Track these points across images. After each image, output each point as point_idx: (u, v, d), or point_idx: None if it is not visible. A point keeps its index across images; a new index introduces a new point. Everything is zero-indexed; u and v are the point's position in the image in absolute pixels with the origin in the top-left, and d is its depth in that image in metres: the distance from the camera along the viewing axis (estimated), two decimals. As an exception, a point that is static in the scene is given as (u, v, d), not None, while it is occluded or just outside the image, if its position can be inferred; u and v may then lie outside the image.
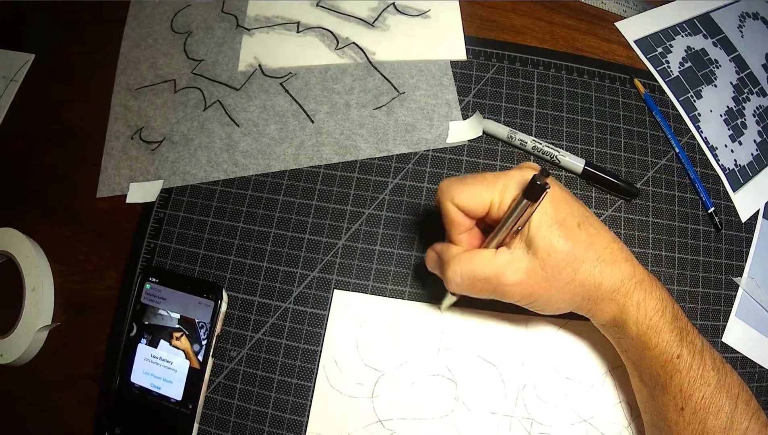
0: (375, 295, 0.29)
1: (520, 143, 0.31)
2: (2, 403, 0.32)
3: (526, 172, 0.22)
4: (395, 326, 0.29)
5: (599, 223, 0.24)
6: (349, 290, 0.29)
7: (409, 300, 0.29)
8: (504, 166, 0.31)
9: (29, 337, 0.34)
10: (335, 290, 0.29)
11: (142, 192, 0.32)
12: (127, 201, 0.32)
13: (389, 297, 0.29)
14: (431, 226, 0.30)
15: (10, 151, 0.36)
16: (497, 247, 0.23)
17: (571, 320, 0.30)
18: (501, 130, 0.31)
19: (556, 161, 0.31)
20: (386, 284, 0.29)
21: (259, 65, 0.32)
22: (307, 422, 0.28)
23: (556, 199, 0.22)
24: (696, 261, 0.32)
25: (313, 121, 0.30)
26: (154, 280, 0.31)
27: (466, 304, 0.29)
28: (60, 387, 0.32)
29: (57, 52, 0.37)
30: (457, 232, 0.24)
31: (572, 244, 0.22)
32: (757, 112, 0.40)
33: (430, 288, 0.29)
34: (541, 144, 0.31)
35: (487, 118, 0.32)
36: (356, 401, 0.28)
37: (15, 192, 0.35)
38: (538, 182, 0.20)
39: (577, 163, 0.31)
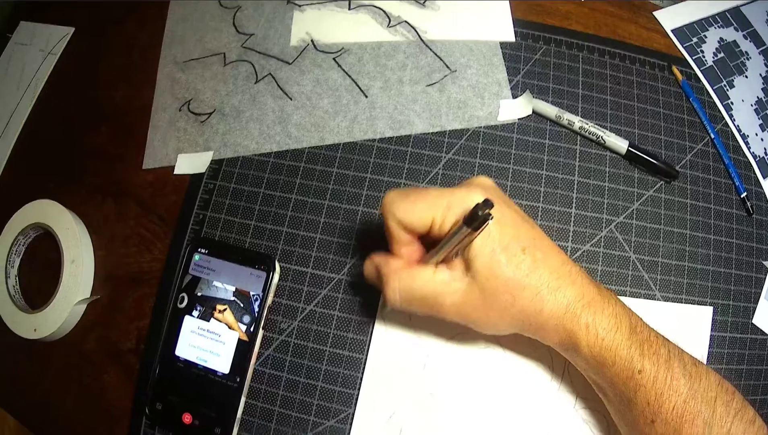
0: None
1: (568, 123, 0.33)
2: (40, 378, 0.33)
3: (473, 192, 0.22)
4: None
5: (549, 245, 0.24)
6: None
7: None
8: (552, 145, 0.33)
9: (66, 310, 0.34)
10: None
11: (190, 163, 0.33)
12: (175, 172, 0.33)
13: None
14: None
15: (50, 125, 0.37)
16: (437, 264, 0.23)
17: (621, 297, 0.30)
18: (550, 110, 0.33)
19: (602, 141, 0.33)
20: None
21: (312, 40, 0.34)
22: (357, 395, 0.29)
23: (502, 221, 0.22)
24: (729, 243, 0.34)
25: (366, 96, 0.32)
26: (203, 250, 0.31)
27: None
28: (99, 362, 0.32)
29: (98, 27, 0.38)
30: (398, 247, 0.24)
31: (513, 271, 0.22)
32: None
33: None
34: (587, 124, 0.33)
35: (536, 98, 0.34)
36: (408, 373, 0.29)
37: (57, 166, 0.36)
38: (480, 212, 0.20)
39: (621, 144, 0.33)
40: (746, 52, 0.43)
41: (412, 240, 0.24)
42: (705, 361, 0.32)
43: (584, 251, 0.32)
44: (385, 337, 0.30)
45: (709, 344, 0.32)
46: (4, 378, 0.34)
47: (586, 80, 0.35)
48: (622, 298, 0.30)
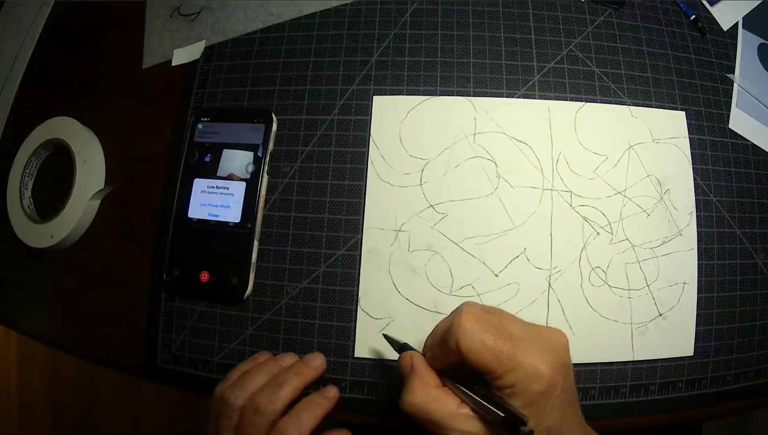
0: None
1: None
2: (60, 283, 0.36)
3: (543, 363, 0.22)
4: (432, 118, 0.34)
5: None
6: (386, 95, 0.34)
7: (441, 96, 0.34)
8: None
9: (81, 207, 0.37)
10: (374, 96, 0.34)
11: (186, 54, 0.38)
12: (173, 63, 0.38)
13: (423, 95, 0.34)
14: (454, 50, 0.35)
15: (59, 50, 0.42)
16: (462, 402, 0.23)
17: (588, 103, 0.35)
18: None
19: None
20: (418, 86, 0.34)
21: None
22: (363, 219, 0.33)
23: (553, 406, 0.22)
24: (689, 58, 0.39)
25: None
26: (205, 118, 0.36)
27: (490, 91, 0.34)
28: (117, 249, 0.36)
29: None
30: (441, 365, 0.25)
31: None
32: None
33: (456, 84, 0.34)
34: None
35: None
36: (407, 190, 0.33)
37: (62, 83, 0.40)
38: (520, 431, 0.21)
39: None
40: None
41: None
42: (690, 163, 0.36)
43: (550, 68, 0.36)
44: (380, 162, 0.33)
45: (691, 145, 0.36)
46: (30, 297, 0.37)
47: None
48: (593, 104, 0.35)
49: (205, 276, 0.33)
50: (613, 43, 0.38)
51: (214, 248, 0.34)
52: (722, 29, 0.42)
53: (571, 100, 0.35)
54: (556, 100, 0.35)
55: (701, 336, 0.35)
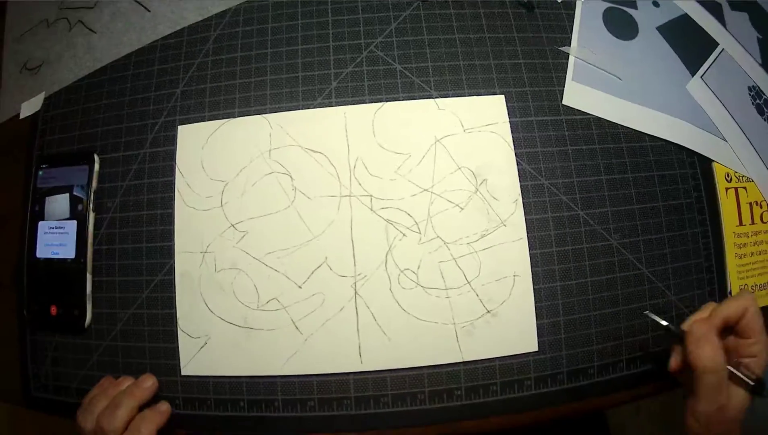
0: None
1: None
2: None
3: None
4: (229, 140, 0.37)
5: None
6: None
7: (238, 117, 0.37)
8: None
9: None
10: (179, 126, 0.38)
11: (30, 106, 0.43)
12: (21, 117, 0.43)
13: (221, 118, 0.37)
14: (252, 70, 0.37)
15: None
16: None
17: (387, 103, 0.37)
18: None
19: None
20: (219, 111, 0.37)
21: None
22: (174, 244, 0.36)
23: None
24: (511, 38, 0.39)
25: (149, 11, 0.41)
26: (44, 165, 0.41)
27: (286, 105, 0.36)
28: None
29: None
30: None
31: None
32: None
33: (254, 103, 0.36)
34: None
35: None
36: (209, 212, 0.37)
37: None
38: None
39: None
40: None
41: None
42: (512, 148, 0.36)
43: (347, 73, 0.38)
44: (185, 188, 0.36)
45: (513, 130, 0.37)
46: None
47: None
48: (393, 102, 0.36)
49: (54, 309, 0.38)
50: (419, 36, 0.39)
51: (58, 283, 0.39)
52: (555, 0, 0.41)
53: (371, 102, 0.37)
54: (353, 105, 0.37)
55: (546, 329, 0.36)
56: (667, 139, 0.39)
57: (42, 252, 0.40)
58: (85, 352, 0.38)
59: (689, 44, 0.44)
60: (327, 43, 0.38)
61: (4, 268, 0.41)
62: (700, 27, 0.45)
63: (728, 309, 0.31)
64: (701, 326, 0.31)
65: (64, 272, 0.39)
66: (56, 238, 0.40)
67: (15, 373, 0.39)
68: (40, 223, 0.40)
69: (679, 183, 0.38)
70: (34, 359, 0.39)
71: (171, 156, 0.37)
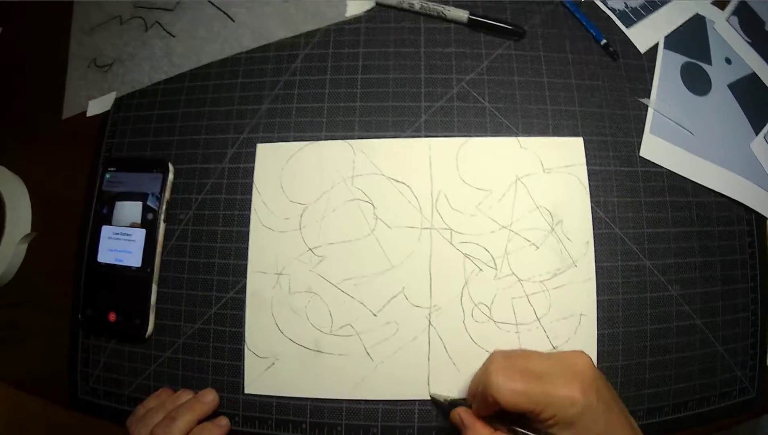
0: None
1: (409, 6, 0.41)
2: None
3: (572, 394, 0.27)
4: (311, 163, 0.38)
5: None
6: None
7: (321, 141, 0.38)
8: (397, 27, 0.41)
9: (11, 250, 0.44)
10: (257, 144, 0.39)
11: (99, 105, 0.43)
12: (87, 114, 0.43)
13: (306, 141, 0.38)
14: (341, 95, 0.39)
15: None
16: None
17: (472, 138, 0.39)
18: None
19: (443, 15, 0.41)
20: (304, 133, 0.38)
21: None
22: (247, 263, 0.37)
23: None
24: (596, 86, 0.41)
25: (233, 21, 0.42)
26: (112, 169, 0.41)
27: (374, 134, 0.38)
28: (44, 287, 0.41)
29: (18, 23, 0.50)
30: (486, 412, 0.30)
31: None
32: None
33: (341, 129, 0.38)
34: (427, 3, 0.41)
35: None
36: (287, 234, 0.38)
37: None
38: None
39: (462, 14, 0.41)
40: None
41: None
42: (587, 190, 0.38)
43: (438, 107, 0.39)
44: (263, 208, 0.38)
45: (591, 177, 0.38)
46: None
47: None
48: (478, 138, 0.38)
49: (113, 316, 0.39)
50: (509, 76, 0.40)
51: (119, 290, 0.39)
52: (639, 52, 0.44)
53: (458, 136, 0.39)
54: (439, 137, 0.39)
55: (605, 372, 0.37)
56: (729, 195, 0.41)
57: (104, 256, 0.40)
58: (143, 361, 0.38)
59: (756, 102, 0.46)
60: (419, 75, 0.39)
61: (66, 260, 0.41)
62: (766, 86, 0.48)
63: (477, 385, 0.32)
64: (464, 412, 0.32)
65: (127, 280, 0.39)
66: (121, 245, 0.40)
67: (62, 374, 0.39)
68: (104, 227, 0.40)
69: (737, 239, 0.40)
70: (84, 362, 0.39)
71: (249, 173, 0.38)
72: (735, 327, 0.39)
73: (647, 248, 0.39)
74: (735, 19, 0.49)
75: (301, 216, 0.38)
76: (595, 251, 0.38)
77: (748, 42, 0.48)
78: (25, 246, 0.44)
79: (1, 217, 0.44)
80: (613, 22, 0.44)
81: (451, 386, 0.36)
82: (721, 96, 0.44)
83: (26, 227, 0.44)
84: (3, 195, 0.44)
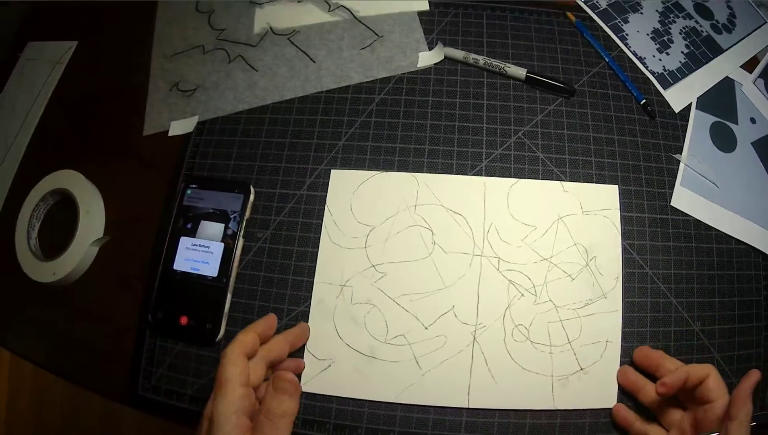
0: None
1: (474, 61, 0.56)
2: (59, 318, 0.56)
3: None
4: (379, 190, 0.53)
5: None
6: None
7: (389, 171, 0.54)
8: (463, 80, 0.57)
9: (81, 252, 0.59)
10: (332, 170, 0.54)
11: (181, 126, 0.57)
12: (170, 134, 0.57)
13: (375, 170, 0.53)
14: (411, 138, 0.56)
15: (64, 110, 0.65)
16: None
17: (522, 179, 0.54)
18: (458, 54, 0.56)
19: (504, 72, 0.56)
20: (378, 168, 0.55)
21: (270, 27, 0.60)
22: (314, 274, 0.52)
23: None
24: (635, 141, 0.57)
25: (314, 62, 0.57)
26: (194, 185, 0.56)
27: (457, 159, 0.54)
28: (111, 289, 0.55)
29: (97, 36, 0.68)
30: None
31: None
32: (683, 30, 0.65)
33: (410, 168, 0.55)
34: (491, 60, 0.57)
35: (447, 46, 0.59)
36: (353, 251, 0.52)
37: (72, 141, 0.63)
38: None
39: (520, 72, 0.56)
40: (641, -7, 0.67)
41: None
42: (618, 232, 0.54)
43: (497, 154, 0.54)
44: (333, 227, 0.52)
45: (624, 223, 0.54)
46: (30, 324, 0.58)
47: (490, 31, 0.60)
48: (530, 180, 0.55)
49: (184, 320, 0.51)
50: (560, 130, 0.55)
51: (193, 297, 0.52)
52: (674, 111, 0.59)
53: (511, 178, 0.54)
54: (493, 177, 0.54)
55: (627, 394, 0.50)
56: (748, 243, 0.56)
57: (180, 265, 0.54)
58: (210, 363, 0.51)
59: None
60: (481, 124, 0.55)
61: (133, 267, 0.55)
62: None
63: (696, 369, 0.46)
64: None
65: (202, 288, 0.52)
66: (199, 256, 0.55)
67: (123, 371, 0.53)
68: (183, 238, 0.57)
69: (753, 282, 0.56)
70: (149, 361, 0.52)
71: (323, 199, 0.53)
72: (749, 361, 0.53)
73: (674, 287, 0.53)
74: (761, 82, 0.65)
75: (367, 236, 0.52)
76: (624, 287, 0.52)
77: (772, 102, 0.68)
78: (96, 249, 0.59)
79: (75, 219, 0.60)
80: (652, 83, 0.61)
81: (489, 398, 0.49)
82: (744, 153, 0.61)
83: (99, 232, 0.60)
84: (77, 199, 0.61)
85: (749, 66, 0.67)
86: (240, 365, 0.44)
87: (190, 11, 0.64)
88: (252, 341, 0.46)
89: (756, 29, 0.71)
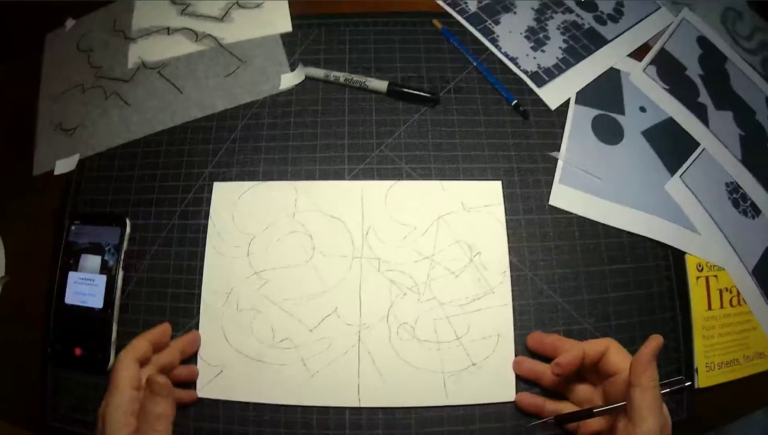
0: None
1: (334, 79, 0.58)
2: None
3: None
4: (259, 200, 0.56)
5: None
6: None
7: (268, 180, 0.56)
8: (325, 98, 0.61)
9: None
10: (214, 183, 0.57)
11: (65, 165, 0.60)
12: (55, 173, 0.61)
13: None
14: (276, 160, 0.59)
15: None
16: None
17: (399, 182, 0.57)
18: (318, 73, 0.59)
19: (365, 87, 0.58)
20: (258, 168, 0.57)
21: (142, 62, 0.63)
22: (201, 282, 0.55)
23: None
24: (506, 144, 0.58)
25: (182, 92, 0.61)
26: (77, 221, 0.59)
27: (319, 177, 0.57)
28: (15, 325, 0.59)
29: None
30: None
31: None
32: (562, 26, 0.66)
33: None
34: (351, 76, 0.59)
35: (307, 67, 0.61)
36: (236, 260, 0.55)
37: None
38: None
39: (381, 85, 0.58)
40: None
41: None
42: (504, 226, 0.56)
43: (360, 169, 0.57)
44: (217, 238, 0.56)
45: (507, 224, 0.56)
46: None
47: (354, 46, 0.62)
48: (408, 181, 0.57)
49: (78, 351, 0.56)
50: (425, 139, 0.58)
51: (84, 328, 0.56)
52: (549, 109, 0.61)
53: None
54: (370, 180, 0.57)
55: (523, 385, 0.52)
56: (643, 234, 0.57)
57: (70, 298, 0.57)
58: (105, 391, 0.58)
59: (671, 146, 0.62)
60: (343, 141, 0.59)
61: (34, 302, 0.59)
62: (683, 129, 0.64)
63: (593, 345, 0.48)
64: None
65: (91, 320, 0.55)
66: (86, 289, 0.59)
67: (33, 402, 0.57)
68: (71, 272, 0.61)
69: (653, 273, 0.56)
70: (55, 391, 0.56)
71: (206, 215, 0.57)
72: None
73: (558, 287, 0.55)
74: (653, 69, 0.66)
75: (249, 244, 0.55)
76: (511, 287, 0.54)
77: (665, 89, 0.65)
78: (-1, 288, 0.64)
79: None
80: (525, 83, 0.62)
81: (380, 396, 0.52)
82: (633, 143, 0.61)
83: (0, 271, 0.65)
84: (-21, 244, 0.65)
85: (639, 54, 0.67)
86: (131, 369, 0.48)
87: (72, 50, 0.67)
88: (144, 347, 0.50)
89: (648, 15, 0.71)
